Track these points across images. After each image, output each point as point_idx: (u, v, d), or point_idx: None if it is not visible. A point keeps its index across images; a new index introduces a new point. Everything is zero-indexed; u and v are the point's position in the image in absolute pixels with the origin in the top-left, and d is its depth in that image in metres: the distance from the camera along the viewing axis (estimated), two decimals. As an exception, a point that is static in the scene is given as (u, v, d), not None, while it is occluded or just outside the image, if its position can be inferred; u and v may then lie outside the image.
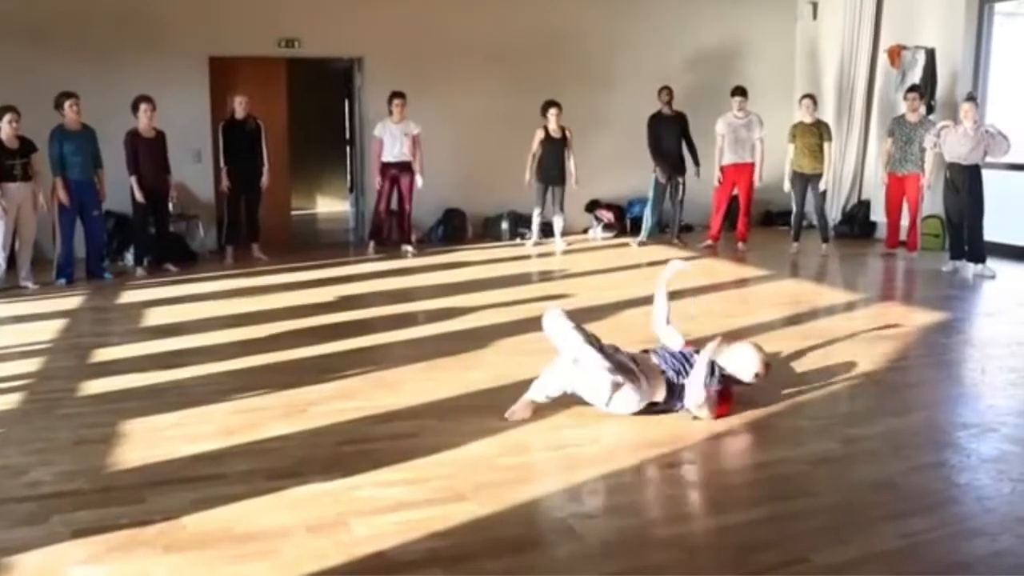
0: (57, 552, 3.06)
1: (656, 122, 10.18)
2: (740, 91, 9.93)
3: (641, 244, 10.26)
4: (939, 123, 8.73)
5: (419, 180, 9.72)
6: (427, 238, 10.62)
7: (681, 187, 10.20)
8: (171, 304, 7.22)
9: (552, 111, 9.84)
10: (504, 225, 10.76)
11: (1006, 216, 8.54)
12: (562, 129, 9.92)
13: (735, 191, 10.08)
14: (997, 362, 5.58)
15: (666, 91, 10.15)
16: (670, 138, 10.12)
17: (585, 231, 11.14)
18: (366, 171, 10.48)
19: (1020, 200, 12.16)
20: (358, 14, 10.19)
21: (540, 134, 9.88)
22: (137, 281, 8.26)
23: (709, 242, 10.00)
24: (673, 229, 10.40)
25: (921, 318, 6.70)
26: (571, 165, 9.94)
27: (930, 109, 9.84)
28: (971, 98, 8.55)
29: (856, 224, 10.95)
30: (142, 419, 4.37)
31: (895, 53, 10.34)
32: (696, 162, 10.18)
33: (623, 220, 11.17)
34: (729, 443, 4.17)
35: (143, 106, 8.40)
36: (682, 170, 10.21)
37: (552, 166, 9.93)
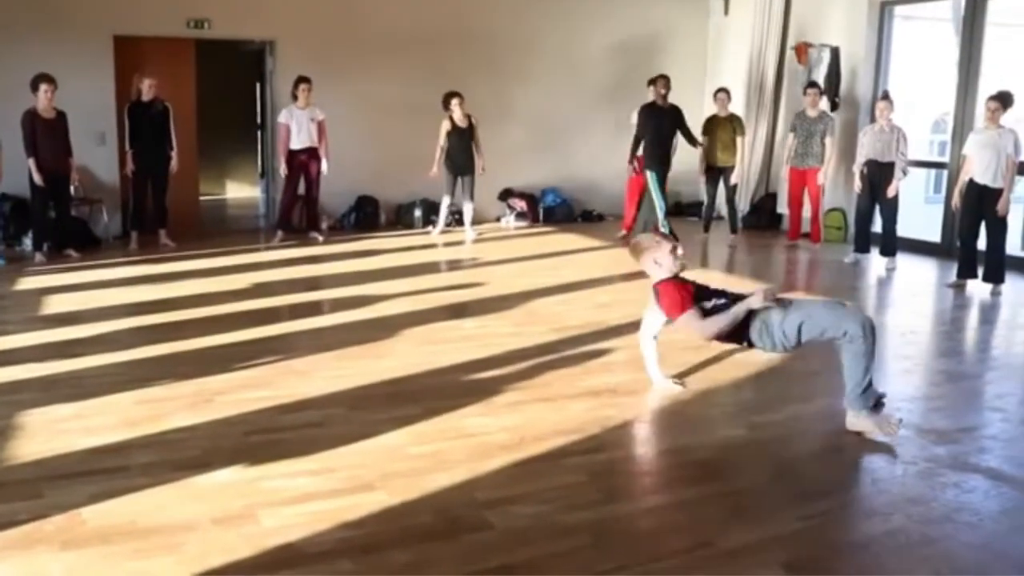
0: (-53, 549, 2.95)
1: (649, 114, 9.61)
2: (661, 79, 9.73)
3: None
4: (866, 127, 9.00)
5: (324, 165, 9.58)
6: (339, 225, 10.50)
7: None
8: (72, 291, 6.98)
9: (455, 101, 9.78)
10: (417, 213, 10.71)
11: (903, 210, 8.88)
12: (468, 118, 9.88)
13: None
14: (892, 350, 5.79)
15: (662, 80, 9.55)
16: (663, 131, 9.58)
17: (498, 219, 11.16)
18: (277, 156, 10.28)
19: (917, 195, 12.61)
20: (270, -4, 10.00)
21: (446, 125, 9.80)
22: (36, 267, 7.96)
23: (623, 232, 10.10)
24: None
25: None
26: (477, 152, 9.90)
27: (835, 106, 10.14)
28: (886, 96, 8.77)
29: (763, 216, 11.23)
30: (39, 410, 4.23)
31: (802, 50, 10.62)
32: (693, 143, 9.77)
33: (536, 209, 11.22)
34: (638, 430, 4.24)
35: (43, 86, 8.05)
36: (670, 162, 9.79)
37: (460, 156, 9.87)
